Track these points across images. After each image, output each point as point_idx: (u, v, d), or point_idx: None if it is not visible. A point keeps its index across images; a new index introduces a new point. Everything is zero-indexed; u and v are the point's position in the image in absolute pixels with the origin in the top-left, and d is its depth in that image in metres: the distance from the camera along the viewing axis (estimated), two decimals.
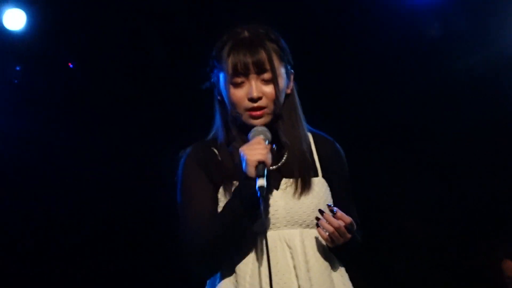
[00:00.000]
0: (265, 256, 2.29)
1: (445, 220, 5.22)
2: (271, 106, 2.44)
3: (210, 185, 2.44)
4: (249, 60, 2.42)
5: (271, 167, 2.43)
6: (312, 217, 2.43)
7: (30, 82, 4.95)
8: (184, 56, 4.81)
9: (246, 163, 2.30)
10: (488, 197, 5.13)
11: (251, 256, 2.39)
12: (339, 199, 2.53)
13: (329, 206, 2.39)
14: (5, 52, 4.85)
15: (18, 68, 4.96)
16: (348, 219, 2.38)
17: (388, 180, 5.20)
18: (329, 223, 2.36)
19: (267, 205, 2.40)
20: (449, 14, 4.78)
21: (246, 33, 2.47)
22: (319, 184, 2.49)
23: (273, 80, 2.44)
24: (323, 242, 2.44)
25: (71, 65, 5.00)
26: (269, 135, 2.41)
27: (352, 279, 2.54)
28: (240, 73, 2.43)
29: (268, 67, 2.43)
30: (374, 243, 4.66)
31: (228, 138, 2.50)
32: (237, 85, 2.44)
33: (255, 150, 2.32)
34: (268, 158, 2.32)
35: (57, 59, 4.95)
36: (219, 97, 2.52)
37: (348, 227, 2.38)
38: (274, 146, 2.42)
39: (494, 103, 4.93)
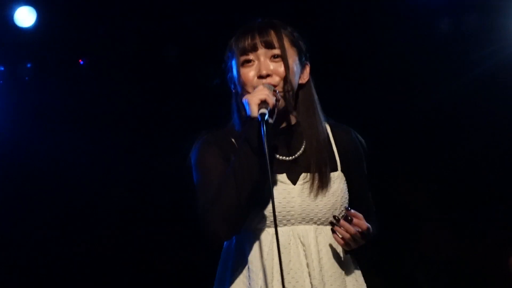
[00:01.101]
0: (276, 252, 2.28)
1: (452, 218, 5.21)
2: (281, 85, 2.41)
3: (227, 163, 2.40)
4: (257, 36, 2.42)
5: (286, 158, 2.43)
6: (329, 215, 2.41)
7: (41, 79, 4.97)
8: (196, 56, 4.82)
9: (249, 104, 2.28)
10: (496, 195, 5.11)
11: (265, 252, 2.38)
12: (357, 193, 2.51)
13: (347, 209, 2.37)
14: (16, 49, 4.87)
15: (29, 66, 4.98)
16: (365, 225, 2.36)
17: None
18: (346, 230, 2.35)
19: (283, 201, 2.38)
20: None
21: (257, 21, 2.50)
22: (338, 180, 2.47)
23: (283, 57, 2.42)
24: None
25: (81, 62, 5.01)
26: (272, 88, 2.37)
27: (365, 276, 2.54)
28: (248, 51, 2.42)
29: (276, 44, 2.43)
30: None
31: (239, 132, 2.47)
32: (246, 65, 2.43)
33: (257, 92, 2.31)
34: (270, 98, 2.29)
35: (67, 56, 4.96)
36: (234, 90, 2.51)
37: (364, 233, 2.36)
38: (277, 91, 2.38)
39: None
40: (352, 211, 2.36)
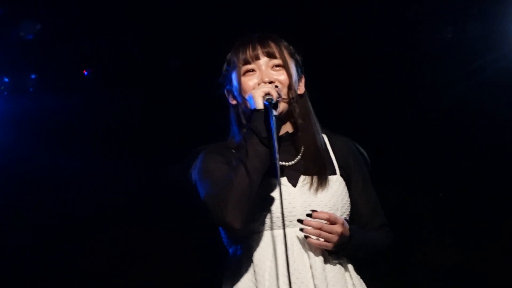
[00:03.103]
0: (283, 254, 2.33)
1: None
2: (285, 91, 2.47)
3: (230, 167, 2.43)
4: (258, 47, 2.49)
5: (286, 163, 2.49)
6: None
7: (45, 90, 4.98)
8: (199, 67, 4.83)
9: (253, 97, 2.36)
10: None
11: (270, 254, 2.41)
12: (358, 197, 2.56)
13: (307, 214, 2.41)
14: (20, 60, 4.88)
15: (33, 77, 4.99)
16: (325, 214, 2.38)
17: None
18: (310, 226, 2.38)
19: (285, 202, 2.40)
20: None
21: (256, 35, 2.55)
22: (337, 183, 2.51)
23: (284, 66, 2.49)
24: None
25: (85, 73, 5.02)
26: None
27: (366, 282, 2.56)
28: (250, 61, 2.48)
29: (278, 54, 2.49)
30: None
31: (242, 144, 2.48)
32: (248, 74, 2.49)
33: (260, 86, 2.39)
34: (274, 91, 2.37)
35: (72, 67, 4.97)
36: (233, 102, 2.55)
37: (331, 222, 2.38)
38: (278, 86, 2.44)
39: None
40: (314, 212, 2.40)
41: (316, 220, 2.39)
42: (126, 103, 5.03)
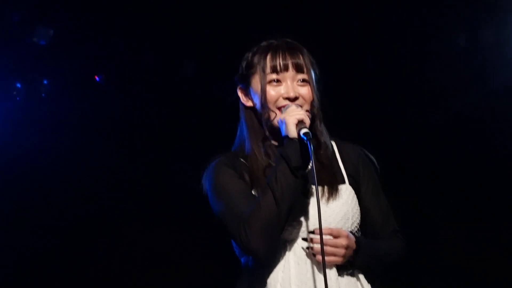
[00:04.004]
0: (293, 264, 2.35)
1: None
2: (307, 107, 2.47)
3: (243, 181, 2.44)
4: (288, 59, 2.47)
5: None
6: (341, 225, 2.44)
7: (57, 95, 4.99)
8: (213, 72, 4.83)
9: (286, 124, 2.33)
10: None
11: (281, 264, 2.40)
12: (369, 205, 2.54)
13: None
14: (32, 66, 4.89)
15: (45, 82, 5.00)
16: (327, 230, 2.37)
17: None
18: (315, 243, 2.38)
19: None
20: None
21: (282, 41, 2.54)
22: (347, 192, 2.50)
23: (309, 81, 2.48)
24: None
25: (97, 79, 5.03)
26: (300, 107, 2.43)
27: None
28: (278, 71, 2.46)
29: (305, 69, 2.48)
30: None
31: (256, 146, 2.49)
32: (274, 84, 2.47)
33: (293, 112, 2.36)
34: (307, 119, 2.36)
35: (84, 73, 4.98)
36: (247, 104, 2.54)
37: (334, 235, 2.37)
38: (309, 111, 2.45)
39: None
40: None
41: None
42: (138, 108, 5.03)
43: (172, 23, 4.74)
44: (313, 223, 2.41)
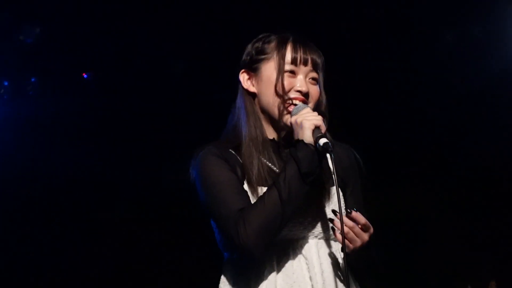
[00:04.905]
0: (276, 264, 2.36)
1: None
2: (312, 107, 2.46)
3: (235, 175, 2.40)
4: (309, 54, 2.47)
5: None
6: (328, 229, 2.43)
7: (45, 93, 4.97)
8: (201, 70, 4.82)
9: (303, 128, 2.31)
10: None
11: (267, 264, 2.38)
12: (353, 207, 2.50)
13: (347, 211, 2.37)
14: (20, 64, 4.87)
15: (33, 80, 4.98)
16: (363, 219, 2.35)
17: None
18: (344, 224, 2.34)
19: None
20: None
21: (300, 35, 2.54)
22: (335, 194, 2.46)
23: (319, 82, 2.49)
24: (338, 254, 2.44)
25: (85, 76, 5.01)
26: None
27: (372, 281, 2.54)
28: (297, 63, 2.46)
29: (320, 69, 2.50)
30: None
31: (253, 133, 2.46)
32: (289, 74, 2.46)
33: (310, 116, 2.35)
34: (323, 125, 2.35)
35: (71, 70, 4.96)
36: (250, 89, 2.51)
37: (364, 228, 2.36)
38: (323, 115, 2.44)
39: None
40: (353, 212, 2.37)
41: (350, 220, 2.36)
42: (126, 106, 5.01)
43: (160, 20, 4.72)
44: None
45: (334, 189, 2.49)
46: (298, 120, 2.34)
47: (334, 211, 2.37)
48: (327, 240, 2.45)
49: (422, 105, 5.01)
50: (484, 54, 4.80)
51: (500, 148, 5.00)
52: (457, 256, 5.18)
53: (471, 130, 5.03)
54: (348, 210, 2.36)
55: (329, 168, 2.51)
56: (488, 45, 4.78)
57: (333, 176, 2.29)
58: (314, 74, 2.48)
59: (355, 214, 2.35)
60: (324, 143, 2.28)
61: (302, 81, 2.45)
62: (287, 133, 2.47)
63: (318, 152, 2.30)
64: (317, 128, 2.32)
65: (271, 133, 2.49)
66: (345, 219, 2.34)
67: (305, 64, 2.46)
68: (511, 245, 5.06)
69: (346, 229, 2.32)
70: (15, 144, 4.98)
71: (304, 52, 2.47)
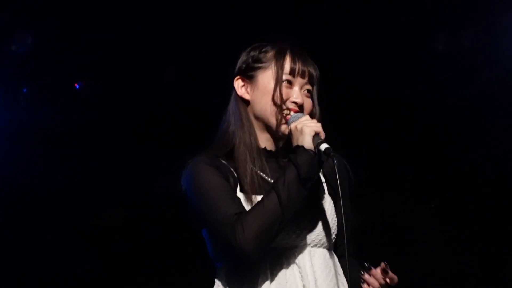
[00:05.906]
0: (269, 272, 2.34)
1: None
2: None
3: (228, 182, 2.40)
4: (306, 66, 2.48)
5: None
6: (321, 237, 2.43)
7: (36, 104, 4.96)
8: (193, 78, 4.82)
9: (303, 134, 2.32)
10: None
11: (261, 273, 2.37)
12: (342, 215, 2.51)
13: (385, 263, 2.41)
14: (11, 74, 4.86)
15: (24, 90, 4.97)
16: (396, 279, 2.40)
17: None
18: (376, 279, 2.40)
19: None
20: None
21: (297, 46, 2.55)
22: (327, 203, 2.50)
23: (312, 96, 2.51)
24: (332, 262, 2.45)
25: (77, 86, 5.01)
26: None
27: None
28: (295, 75, 2.47)
29: (315, 82, 2.51)
30: None
31: (247, 139, 2.46)
32: (286, 84, 2.46)
33: (310, 123, 2.36)
34: (323, 132, 2.35)
35: (63, 81, 4.96)
36: (244, 96, 2.51)
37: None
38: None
39: None
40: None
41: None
42: (118, 116, 5.01)
43: (151, 28, 4.73)
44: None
45: (327, 196, 2.50)
46: (298, 126, 2.35)
47: (364, 266, 2.41)
48: (320, 248, 2.44)
49: (411, 113, 5.02)
50: (475, 62, 4.83)
51: (488, 154, 5.02)
52: (446, 262, 5.18)
53: (459, 137, 5.04)
54: (385, 268, 2.41)
55: (324, 176, 2.52)
56: (480, 53, 4.80)
57: (337, 181, 2.31)
58: (308, 87, 2.49)
59: (392, 275, 2.41)
60: (326, 148, 2.29)
61: (297, 92, 2.46)
62: (279, 142, 2.48)
63: (318, 158, 2.31)
64: (317, 134, 2.33)
65: (263, 142, 2.49)
66: (379, 275, 2.40)
67: (303, 76, 2.47)
68: (499, 251, 5.07)
69: (377, 284, 2.39)
70: (6, 155, 4.96)
71: (303, 64, 2.48)
